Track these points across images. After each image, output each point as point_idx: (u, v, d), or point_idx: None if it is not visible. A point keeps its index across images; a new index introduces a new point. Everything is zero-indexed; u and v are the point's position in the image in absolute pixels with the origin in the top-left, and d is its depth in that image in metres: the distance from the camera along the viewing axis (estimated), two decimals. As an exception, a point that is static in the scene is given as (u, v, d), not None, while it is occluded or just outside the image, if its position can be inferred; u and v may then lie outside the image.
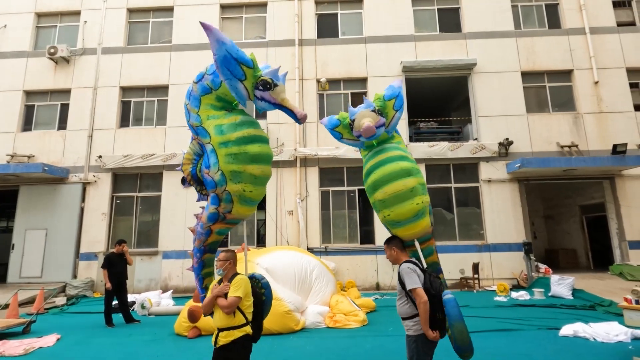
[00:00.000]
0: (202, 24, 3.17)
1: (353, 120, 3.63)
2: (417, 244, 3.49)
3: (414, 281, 2.86)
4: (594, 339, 5.19)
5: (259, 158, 3.38)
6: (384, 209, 3.43)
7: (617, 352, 4.67)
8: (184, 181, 3.87)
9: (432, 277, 3.04)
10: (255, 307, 3.07)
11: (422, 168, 10.97)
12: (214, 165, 3.35)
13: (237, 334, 2.84)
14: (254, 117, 4.11)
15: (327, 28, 12.61)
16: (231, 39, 3.29)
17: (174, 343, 5.55)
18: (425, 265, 3.34)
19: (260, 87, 3.21)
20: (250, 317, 2.97)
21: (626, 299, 4.42)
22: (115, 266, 6.99)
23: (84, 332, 6.28)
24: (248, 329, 2.92)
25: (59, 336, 5.90)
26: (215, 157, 3.35)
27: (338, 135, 3.91)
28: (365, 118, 3.51)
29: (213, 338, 2.91)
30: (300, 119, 3.21)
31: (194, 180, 3.74)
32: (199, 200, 3.90)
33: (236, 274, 3.05)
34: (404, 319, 2.99)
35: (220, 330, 2.86)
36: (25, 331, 6.30)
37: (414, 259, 3.16)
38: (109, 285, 6.85)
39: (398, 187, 3.32)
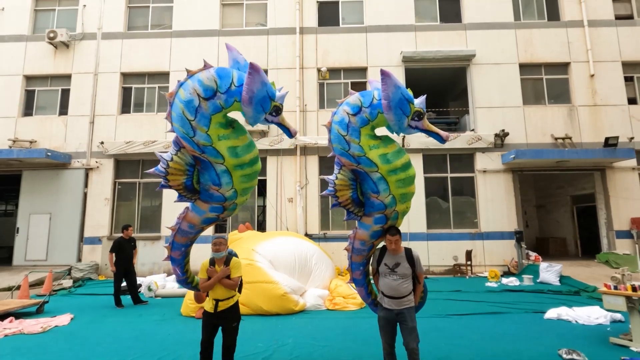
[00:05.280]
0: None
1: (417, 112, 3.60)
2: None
3: None
4: (576, 321, 5.59)
5: (258, 172, 3.86)
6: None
7: (596, 333, 5.06)
8: (164, 185, 3.63)
9: None
10: None
11: (419, 158, 11.28)
12: (227, 185, 3.57)
13: (234, 299, 3.74)
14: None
15: (328, 16, 12.62)
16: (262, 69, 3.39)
17: (182, 323, 5.88)
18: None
19: (274, 114, 3.49)
20: None
21: (606, 285, 4.77)
22: (124, 251, 7.27)
23: (96, 312, 6.59)
24: (238, 294, 3.84)
25: (72, 316, 6.21)
26: (229, 178, 3.55)
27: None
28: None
29: (211, 306, 3.61)
30: (293, 135, 3.65)
31: (187, 189, 3.68)
32: (180, 201, 3.81)
33: (229, 256, 3.76)
34: (404, 296, 3.46)
35: (220, 300, 3.61)
36: (39, 311, 6.60)
37: None
38: (113, 268, 7.15)
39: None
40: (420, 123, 3.62)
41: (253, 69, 3.27)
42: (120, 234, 7.54)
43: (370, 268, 3.88)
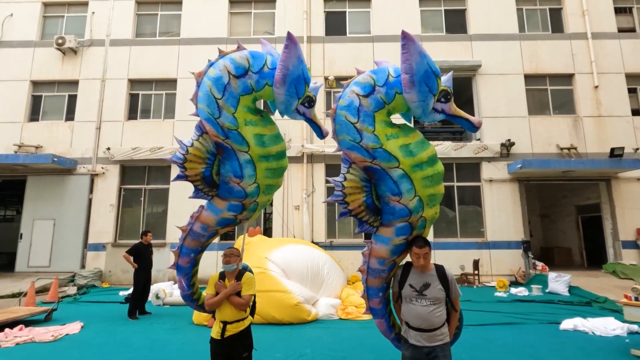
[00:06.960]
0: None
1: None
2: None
3: None
4: (593, 332, 5.55)
5: (284, 170, 3.50)
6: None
7: (615, 345, 5.02)
8: (180, 176, 3.33)
9: None
10: None
11: (426, 166, 11.27)
12: (250, 177, 3.24)
13: (245, 322, 3.11)
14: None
15: (335, 26, 12.75)
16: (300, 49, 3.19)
17: (195, 332, 5.79)
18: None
19: (307, 104, 3.20)
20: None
21: (626, 296, 4.76)
22: (144, 257, 7.07)
23: (106, 321, 6.49)
24: (250, 317, 3.22)
25: (82, 324, 6.10)
26: (252, 169, 3.22)
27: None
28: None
29: (218, 330, 2.98)
30: (324, 136, 3.33)
31: (205, 181, 3.34)
32: (195, 197, 3.46)
33: (242, 271, 3.18)
34: (437, 328, 2.66)
35: (229, 322, 2.99)
36: (47, 319, 6.49)
37: None
38: (134, 265, 6.91)
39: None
40: (447, 106, 2.93)
41: (290, 40, 2.90)
42: (139, 240, 7.35)
43: (392, 292, 3.01)
